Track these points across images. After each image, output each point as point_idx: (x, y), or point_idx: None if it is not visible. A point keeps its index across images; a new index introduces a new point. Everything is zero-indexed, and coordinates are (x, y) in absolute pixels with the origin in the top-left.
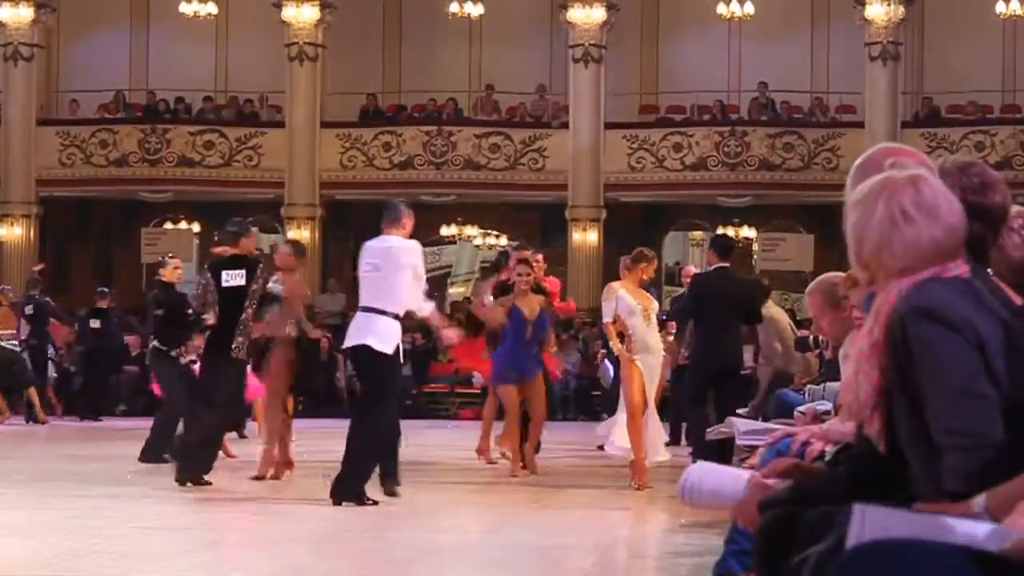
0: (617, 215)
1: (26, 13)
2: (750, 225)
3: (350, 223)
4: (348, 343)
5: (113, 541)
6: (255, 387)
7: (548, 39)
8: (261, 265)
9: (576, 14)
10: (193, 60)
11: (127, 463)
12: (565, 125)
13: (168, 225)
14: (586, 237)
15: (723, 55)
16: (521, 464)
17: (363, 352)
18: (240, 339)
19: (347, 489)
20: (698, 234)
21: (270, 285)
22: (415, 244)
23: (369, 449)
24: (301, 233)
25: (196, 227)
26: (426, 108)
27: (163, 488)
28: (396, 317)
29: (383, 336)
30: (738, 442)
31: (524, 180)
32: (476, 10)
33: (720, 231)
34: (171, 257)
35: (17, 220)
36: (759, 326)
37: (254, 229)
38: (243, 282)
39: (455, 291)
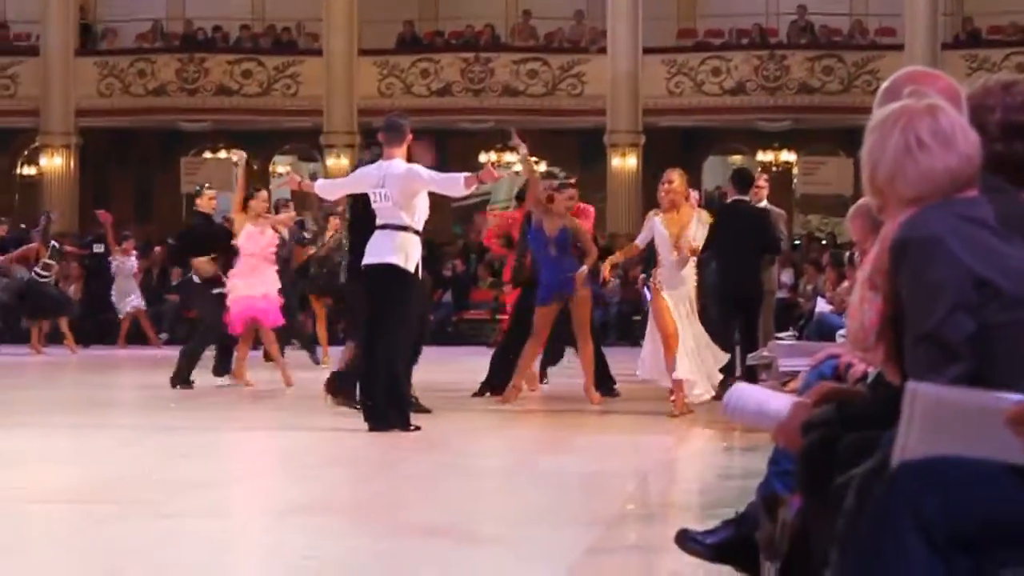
0: (656, 140)
1: None
2: (789, 149)
3: None
4: (368, 260)
5: (156, 469)
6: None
7: None
8: None
9: None
10: None
11: (162, 391)
12: (603, 50)
13: (207, 154)
14: (625, 163)
15: None
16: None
17: (385, 270)
18: None
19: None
20: (738, 158)
21: None
22: (415, 166)
23: (392, 374)
24: (340, 161)
25: (235, 156)
26: (463, 35)
27: (202, 416)
28: (416, 232)
29: (406, 254)
30: (780, 366)
31: (562, 106)
32: None
33: (759, 155)
34: (207, 187)
35: (57, 150)
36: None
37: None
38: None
39: (492, 220)
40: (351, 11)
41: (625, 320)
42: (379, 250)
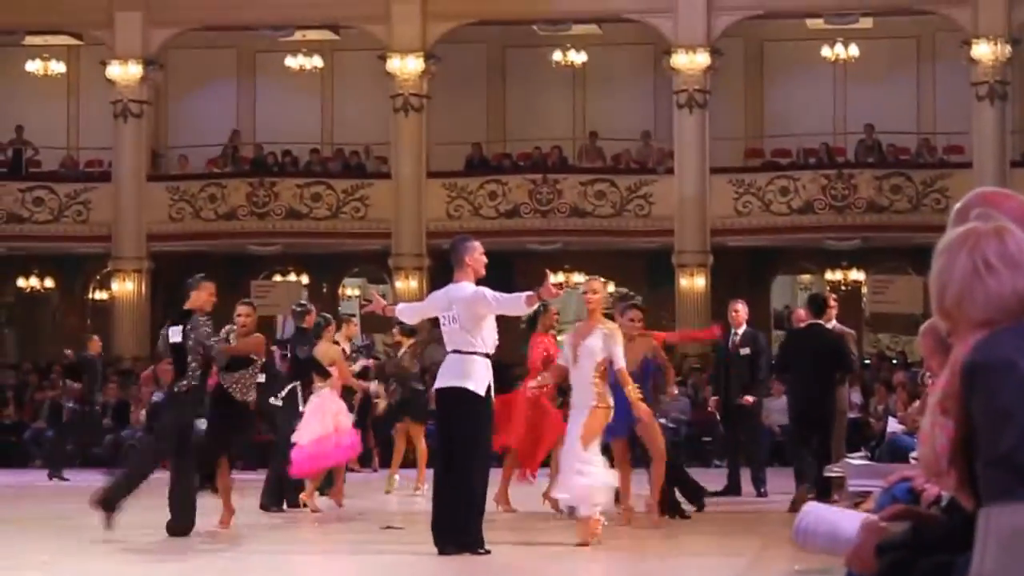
0: (723, 260)
1: (135, 71)
2: (858, 268)
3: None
4: (440, 384)
5: None
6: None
7: (652, 85)
8: (193, 320)
9: (680, 60)
10: (300, 113)
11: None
12: (670, 171)
13: (277, 277)
14: (693, 283)
15: (828, 97)
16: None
17: (457, 394)
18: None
19: (452, 539)
20: (806, 278)
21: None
22: (481, 289)
23: (468, 497)
24: (409, 283)
25: (305, 279)
26: (531, 156)
27: (269, 537)
28: (486, 355)
29: (476, 377)
30: (851, 486)
31: (630, 226)
32: (579, 58)
33: (828, 274)
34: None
35: (128, 275)
36: None
37: (206, 283)
38: (179, 338)
39: (561, 338)
40: (419, 133)
41: (694, 440)
42: (450, 374)
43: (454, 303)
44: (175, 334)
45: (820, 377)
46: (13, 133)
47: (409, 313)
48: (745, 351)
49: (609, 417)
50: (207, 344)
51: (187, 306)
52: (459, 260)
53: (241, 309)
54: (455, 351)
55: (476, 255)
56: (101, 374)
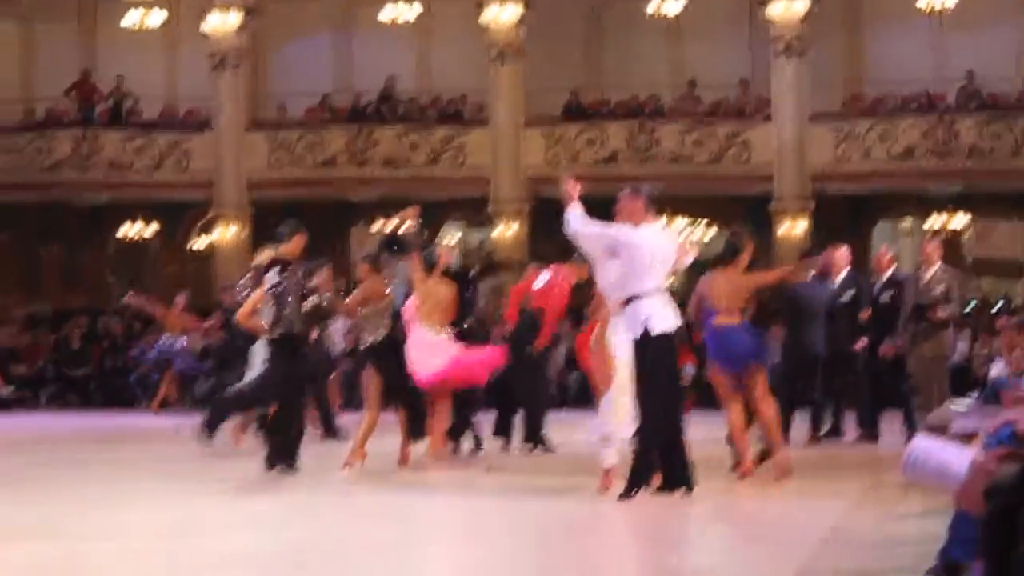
0: (824, 207)
1: (233, 20)
2: (961, 213)
3: (556, 219)
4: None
5: (335, 532)
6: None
7: (747, 33)
8: (290, 268)
9: (776, 9)
10: (397, 61)
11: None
12: (769, 118)
13: (377, 224)
14: (793, 230)
15: (927, 44)
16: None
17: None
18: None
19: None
20: (907, 224)
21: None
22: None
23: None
24: (508, 230)
25: (411, 225)
26: (628, 104)
27: (378, 478)
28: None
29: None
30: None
31: (728, 173)
32: (674, 9)
33: (929, 220)
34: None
35: (229, 223)
36: None
37: (301, 232)
38: (276, 283)
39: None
40: (516, 82)
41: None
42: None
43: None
44: (272, 279)
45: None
46: (114, 83)
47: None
48: (845, 297)
49: None
50: (308, 294)
51: (281, 253)
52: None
53: (362, 266)
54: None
55: None
56: None
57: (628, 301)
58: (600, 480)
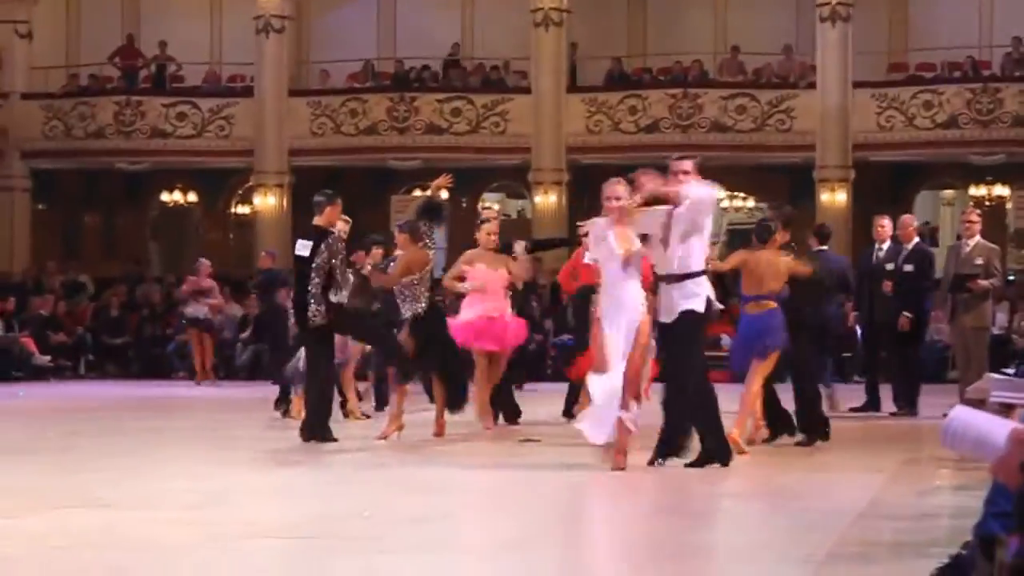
0: (866, 175)
1: None
2: (1003, 183)
3: (596, 188)
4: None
5: (370, 504)
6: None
7: None
8: (331, 238)
9: None
10: (439, 28)
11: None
12: (812, 85)
13: (417, 192)
14: (835, 198)
15: (974, 10)
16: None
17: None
18: (314, 307)
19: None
20: (950, 193)
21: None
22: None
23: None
24: (548, 198)
25: (444, 194)
26: (671, 71)
27: (414, 449)
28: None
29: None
30: (992, 400)
31: (771, 141)
32: None
33: (972, 190)
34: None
35: (270, 190)
36: None
37: (335, 202)
38: (307, 253)
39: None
40: (559, 48)
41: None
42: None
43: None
44: (303, 248)
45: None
46: (157, 49)
47: None
48: (890, 266)
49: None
50: (339, 264)
51: (318, 222)
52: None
53: (400, 236)
54: None
55: None
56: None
57: (687, 276)
58: (612, 460)
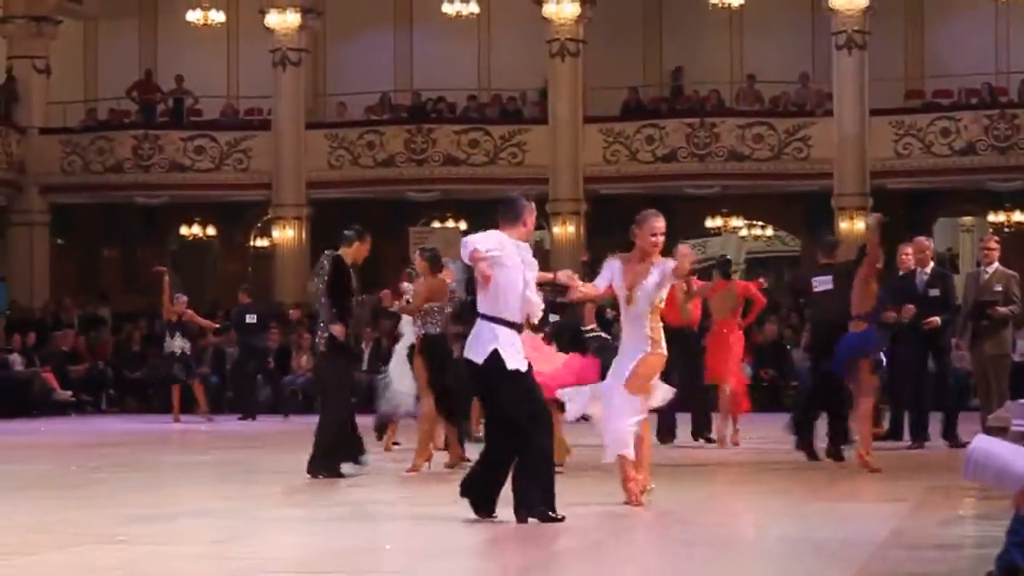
0: (884, 202)
1: (293, 19)
2: (1022, 209)
3: (614, 217)
4: None
5: (392, 537)
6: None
7: (809, 27)
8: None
9: (838, 0)
10: (456, 59)
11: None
12: (829, 113)
13: (435, 224)
14: (853, 226)
15: (990, 37)
16: None
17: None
18: (319, 335)
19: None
20: (968, 220)
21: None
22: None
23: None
24: (566, 228)
25: (463, 225)
26: (688, 100)
27: (438, 479)
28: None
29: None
30: (1014, 427)
31: (788, 170)
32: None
33: (990, 216)
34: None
35: (289, 222)
36: None
37: (365, 239)
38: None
39: None
40: (576, 78)
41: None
42: None
43: None
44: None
45: None
46: (174, 83)
47: None
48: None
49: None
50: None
51: (343, 253)
52: (516, 218)
53: (420, 261)
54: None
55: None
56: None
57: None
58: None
